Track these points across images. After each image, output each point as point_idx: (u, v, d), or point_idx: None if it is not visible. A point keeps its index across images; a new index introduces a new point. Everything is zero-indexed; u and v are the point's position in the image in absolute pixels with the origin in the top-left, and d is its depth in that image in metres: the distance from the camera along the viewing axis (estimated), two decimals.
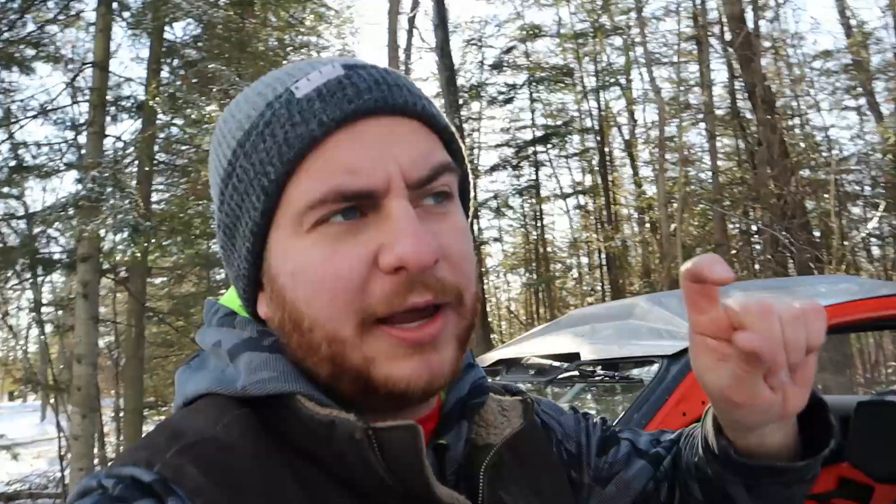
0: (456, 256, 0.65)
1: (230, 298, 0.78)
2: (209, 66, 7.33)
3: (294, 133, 0.63)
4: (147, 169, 7.59)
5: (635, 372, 2.43)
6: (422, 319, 0.63)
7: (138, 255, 5.81)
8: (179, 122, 8.97)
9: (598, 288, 19.79)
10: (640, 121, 18.97)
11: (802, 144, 12.91)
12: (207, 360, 0.74)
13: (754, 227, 12.08)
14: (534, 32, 17.89)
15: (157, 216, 6.48)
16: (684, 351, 2.20)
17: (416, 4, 16.46)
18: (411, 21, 16.13)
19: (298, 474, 0.63)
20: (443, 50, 13.96)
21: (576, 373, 2.51)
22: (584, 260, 21.43)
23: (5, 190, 8.29)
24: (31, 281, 9.23)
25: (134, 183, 8.13)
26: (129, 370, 9.47)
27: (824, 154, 15.04)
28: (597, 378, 2.42)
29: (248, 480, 0.60)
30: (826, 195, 11.42)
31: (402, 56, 14.76)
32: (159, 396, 15.86)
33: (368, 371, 0.63)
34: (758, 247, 12.84)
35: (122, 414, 15.92)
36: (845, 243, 12.34)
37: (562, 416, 0.98)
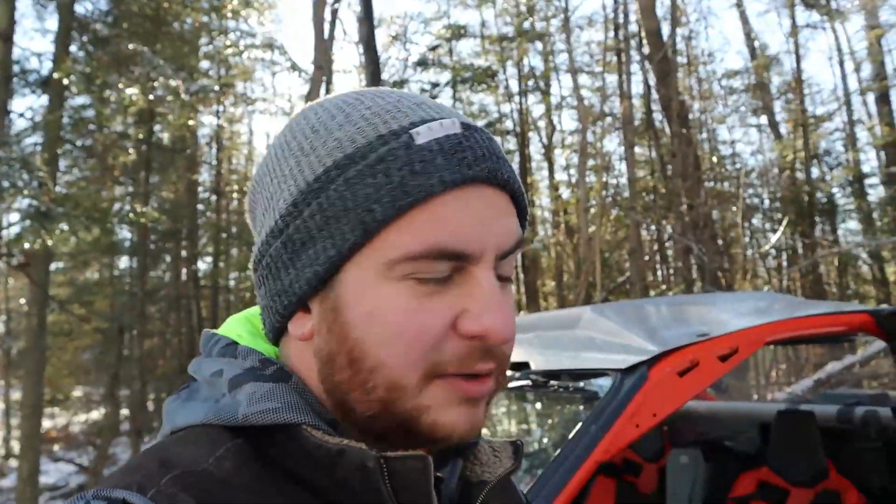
0: (512, 334, 0.68)
1: (228, 329, 0.78)
2: (127, 46, 6.99)
3: (413, 182, 0.63)
4: (59, 150, 7.17)
5: (586, 383, 2.48)
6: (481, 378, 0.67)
7: (49, 241, 5.49)
8: (88, 101, 8.55)
9: (513, 289, 20.12)
10: (558, 126, 19.44)
11: (713, 158, 13.52)
12: (199, 390, 0.74)
13: (666, 236, 12.56)
14: (459, 32, 18.00)
15: (69, 200, 6.14)
16: (638, 365, 2.26)
17: None
18: (335, 13, 15.92)
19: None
20: (368, 44, 13.81)
21: (527, 382, 2.54)
22: None
23: None
24: None
25: (38, 163, 7.68)
26: (28, 361, 8.95)
27: (728, 167, 15.82)
28: (550, 388, 2.46)
29: None
30: (734, 207, 12.01)
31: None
32: (55, 388, 15.11)
33: (418, 418, 0.65)
34: (670, 253, 13.38)
35: (15, 407, 15.06)
36: (748, 254, 13.02)
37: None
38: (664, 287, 12.58)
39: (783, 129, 18.07)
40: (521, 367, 2.69)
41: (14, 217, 7.03)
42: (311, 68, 13.06)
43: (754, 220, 16.73)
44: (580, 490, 2.08)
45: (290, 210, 0.67)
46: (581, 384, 2.48)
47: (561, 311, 3.38)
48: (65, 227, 5.77)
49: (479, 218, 0.64)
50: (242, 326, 0.78)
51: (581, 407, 2.57)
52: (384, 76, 15.92)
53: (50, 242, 5.30)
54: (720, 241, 12.64)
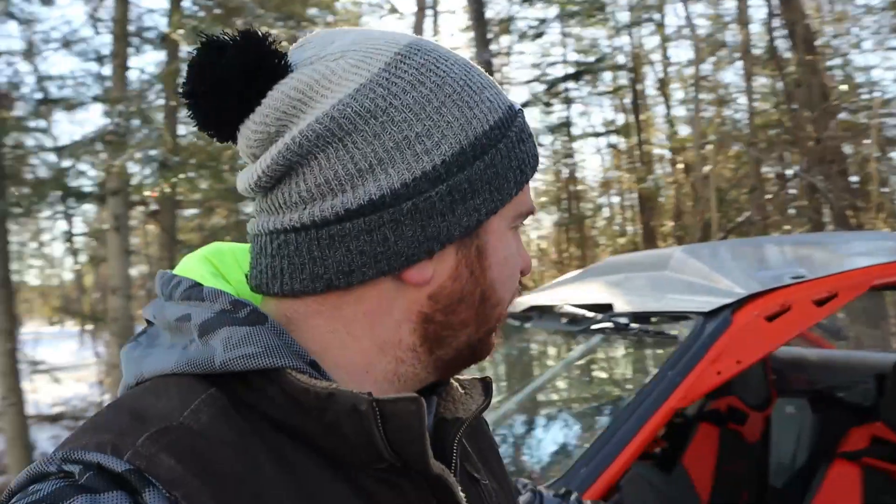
0: None
1: (187, 269, 0.74)
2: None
3: (533, 153, 0.75)
4: (174, 103, 7.51)
5: (670, 327, 2.37)
6: None
7: (167, 189, 5.80)
8: None
9: (630, 229, 19.61)
10: (674, 59, 18.45)
11: (843, 86, 12.44)
12: (158, 336, 0.71)
13: (790, 172, 11.78)
14: None
15: (184, 151, 6.42)
16: (722, 308, 2.14)
17: None
18: None
19: (276, 453, 0.62)
20: None
21: (609, 324, 2.45)
22: (616, 200, 21.17)
23: (32, 123, 8.27)
24: (63, 212, 9.32)
25: (161, 117, 8.08)
26: None
27: (864, 96, 14.55)
28: (630, 331, 2.37)
29: (225, 468, 0.58)
30: (866, 140, 11.05)
31: None
32: None
33: (489, 338, 0.77)
34: (793, 192, 12.56)
35: None
36: (885, 190, 12.01)
37: None
38: (787, 228, 11.86)
39: None
40: (604, 309, 2.61)
41: (135, 168, 7.50)
42: (413, 9, 12.97)
43: (894, 154, 15.39)
44: (654, 436, 2.00)
45: (457, 159, 0.67)
46: (662, 328, 2.38)
47: (651, 252, 3.25)
48: (182, 175, 6.08)
49: None
50: (203, 266, 0.75)
51: (660, 351, 2.47)
52: (489, 14, 15.58)
53: (167, 190, 5.61)
54: (852, 178, 11.73)
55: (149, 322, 0.74)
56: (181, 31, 6.25)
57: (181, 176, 6.19)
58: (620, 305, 2.58)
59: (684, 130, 16.90)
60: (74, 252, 11.93)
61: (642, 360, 2.70)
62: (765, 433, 3.73)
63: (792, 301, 2.12)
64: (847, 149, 11.91)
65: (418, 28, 11.30)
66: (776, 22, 12.31)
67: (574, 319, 2.68)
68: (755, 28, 12.75)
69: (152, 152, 5.89)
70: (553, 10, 16.77)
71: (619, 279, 3.04)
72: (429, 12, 12.32)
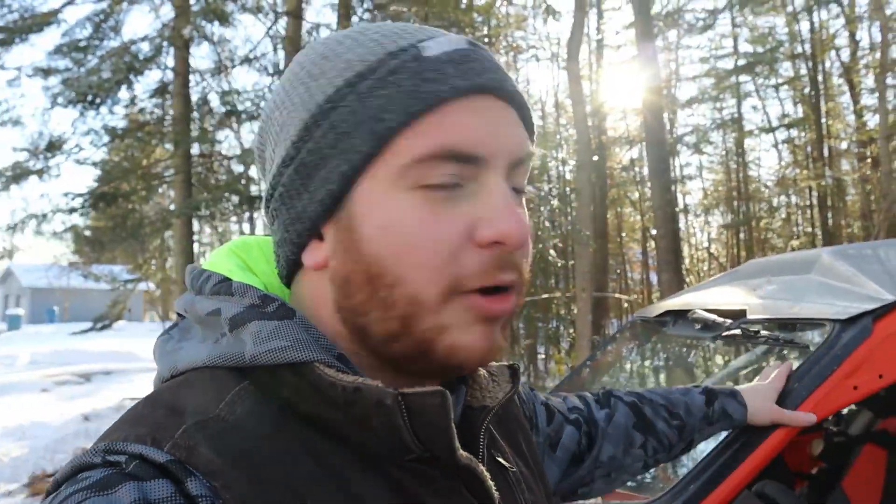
0: (527, 244, 0.68)
1: (215, 264, 0.76)
2: (400, 10, 7.42)
3: (425, 88, 0.63)
4: None
5: (804, 335, 2.19)
6: (502, 294, 0.65)
7: None
8: None
9: (809, 230, 18.20)
10: (861, 42, 16.82)
11: None
12: (191, 329, 0.73)
13: None
14: None
15: None
16: (861, 315, 1.94)
17: None
18: None
19: (309, 446, 0.62)
20: None
21: (738, 332, 2.30)
22: (794, 199, 19.71)
23: (220, 135, 9.05)
24: (244, 216, 10.10)
25: None
26: None
27: None
28: (760, 339, 2.20)
29: (261, 459, 0.59)
30: None
31: None
32: None
33: (435, 339, 0.64)
34: None
35: None
36: None
37: None
38: None
39: None
40: (737, 315, 2.45)
41: None
42: (571, 9, 12.80)
43: None
44: (774, 454, 1.84)
45: (301, 135, 0.66)
46: (796, 336, 2.19)
47: (797, 254, 3.00)
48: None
49: (490, 123, 0.65)
50: (231, 260, 0.77)
51: (792, 362, 2.28)
52: (655, 8, 15.04)
53: None
54: None
55: (180, 315, 0.77)
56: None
57: None
58: (755, 311, 2.41)
59: (874, 121, 15.41)
60: None
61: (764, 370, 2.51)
62: None
63: None
64: None
65: (577, 29, 11.14)
66: None
67: (706, 325, 2.54)
68: None
69: None
70: (723, 0, 15.95)
71: (760, 283, 2.84)
72: (593, 11, 12.07)
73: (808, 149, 17.20)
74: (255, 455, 0.59)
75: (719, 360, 2.81)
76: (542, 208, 11.87)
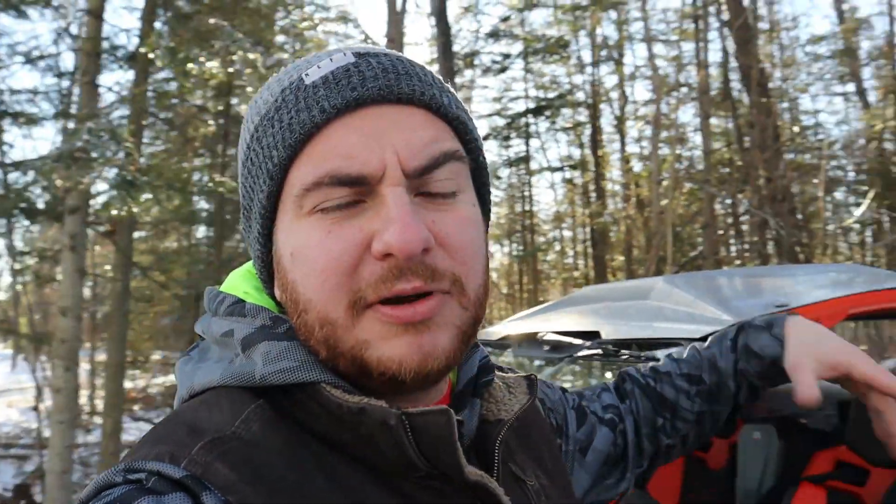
0: (455, 245, 0.66)
1: (232, 286, 0.78)
2: (209, 21, 7.17)
3: (297, 119, 0.65)
4: (143, 122, 7.45)
5: (659, 354, 2.46)
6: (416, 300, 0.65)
7: (135, 209, 5.74)
8: (171, 75, 8.81)
9: (581, 263, 19.91)
10: (630, 97, 19.00)
11: (795, 129, 12.99)
12: (209, 350, 0.75)
13: (741, 209, 12.20)
14: (531, 2, 17.69)
15: (153, 170, 6.37)
16: (709, 336, 2.23)
17: None
18: None
19: (322, 463, 0.64)
20: (440, 15, 13.76)
21: (598, 351, 2.53)
22: (568, 234, 21.50)
23: None
24: (5, 229, 9.07)
25: (125, 134, 7.98)
26: (112, 325, 9.40)
27: (811, 138, 15.19)
28: (621, 358, 2.45)
29: (276, 476, 0.61)
30: (815, 180, 11.53)
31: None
32: (136, 351, 15.79)
33: (362, 354, 0.64)
34: (745, 228, 12.99)
35: (99, 368, 15.86)
36: (829, 228, 12.52)
37: (546, 388, 1.05)
38: (738, 262, 12.24)
39: (871, 98, 17.23)
40: (592, 336, 2.69)
41: (102, 186, 7.37)
42: (383, 41, 13.11)
43: (837, 194, 16.07)
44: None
45: (241, 181, 0.72)
46: (651, 354, 2.46)
47: (631, 282, 3.35)
48: (149, 196, 6.02)
49: (373, 136, 0.64)
50: (247, 282, 0.78)
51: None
52: (455, 48, 15.86)
53: (136, 210, 5.54)
54: (799, 216, 12.19)
55: (200, 337, 0.79)
56: (157, 52, 6.23)
57: (148, 196, 6.13)
58: (607, 333, 2.66)
59: (638, 167, 17.38)
60: (17, 271, 11.54)
61: None
62: (730, 460, 3.84)
63: None
64: (794, 188, 12.40)
65: None
66: (732, 65, 12.81)
67: (558, 347, 2.76)
68: (712, 70, 13.23)
69: (121, 171, 5.83)
70: (518, 47, 17.21)
71: (600, 308, 3.12)
72: (398, 44, 12.42)
73: (586, 188, 18.93)
74: (269, 471, 0.61)
75: (568, 383, 3.04)
76: None
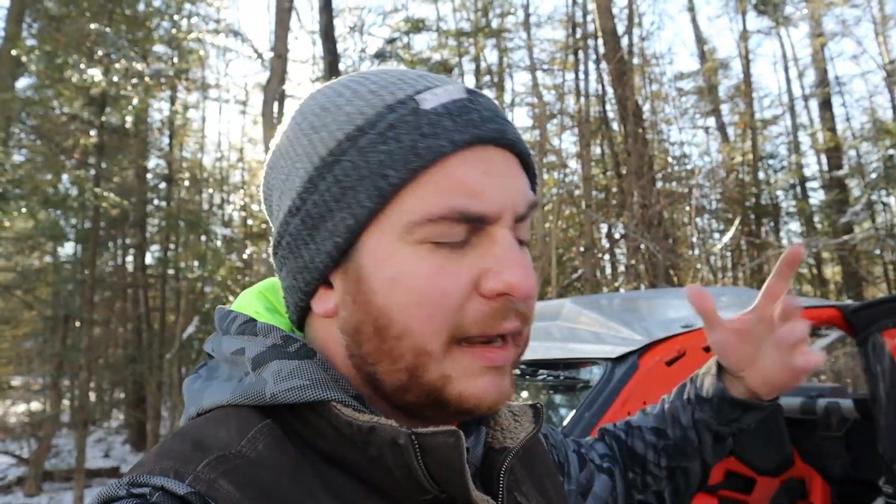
0: (534, 291, 0.68)
1: (243, 305, 0.78)
2: (89, 26, 6.80)
3: (423, 144, 0.64)
4: (12, 131, 6.92)
5: (574, 373, 2.55)
6: (501, 343, 0.67)
7: (6, 223, 5.30)
8: (39, 81, 8.28)
9: None
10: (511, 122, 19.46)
11: (668, 158, 13.84)
12: (218, 368, 0.75)
13: (618, 234, 12.81)
14: (417, 26, 17.95)
15: (24, 182, 5.92)
16: (629, 354, 2.34)
17: None
18: (291, 2, 15.72)
19: (328, 483, 0.64)
20: (327, 34, 13.68)
21: (516, 371, 2.59)
22: None
23: None
24: None
25: None
26: None
27: (677, 167, 16.21)
28: (539, 378, 2.52)
29: (280, 495, 0.61)
30: (686, 207, 12.30)
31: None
32: None
33: (443, 387, 0.66)
34: (619, 251, 13.64)
35: None
36: (694, 253, 13.37)
37: (549, 428, 1.07)
38: (616, 285, 12.84)
39: (731, 132, 18.62)
40: None
41: None
42: (269, 56, 12.88)
43: (700, 220, 17.22)
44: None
45: (306, 186, 0.68)
46: (569, 374, 2.55)
47: (539, 303, 3.45)
48: (22, 209, 5.59)
49: (494, 178, 0.66)
50: (259, 302, 0.78)
51: (569, 397, 2.64)
52: (341, 66, 15.82)
53: (7, 224, 5.12)
54: (670, 241, 12.94)
55: (209, 355, 0.78)
56: (31, 56, 5.82)
57: (22, 209, 5.68)
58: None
59: None
60: None
61: (548, 405, 2.85)
62: None
63: (686, 347, 2.37)
64: (666, 214, 13.16)
65: (275, 76, 11.23)
66: (609, 95, 13.48)
67: None
68: (590, 99, 13.87)
69: None
70: (403, 68, 17.32)
71: None
72: (284, 60, 12.24)
73: None
74: (273, 490, 0.61)
75: None
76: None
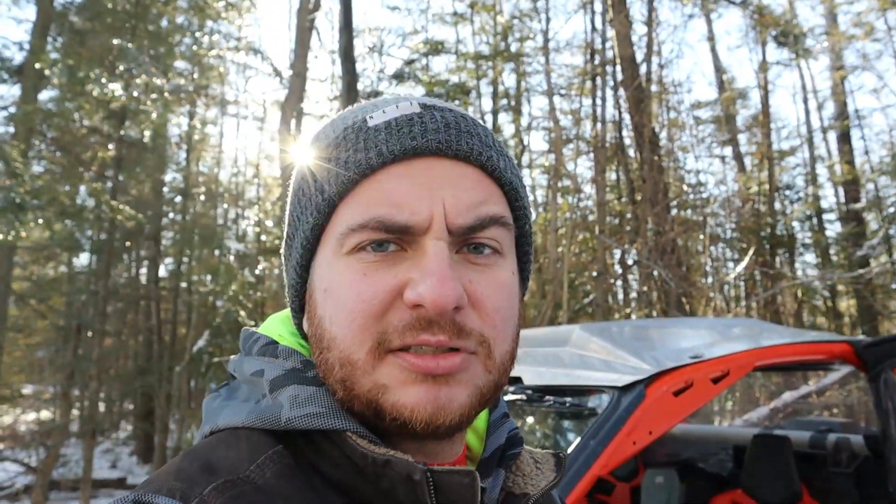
0: (488, 308, 0.66)
1: (269, 328, 0.78)
2: (110, 41, 6.91)
3: (354, 158, 0.66)
4: (32, 142, 7.01)
5: (581, 400, 2.54)
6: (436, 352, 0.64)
7: (23, 233, 5.36)
8: (61, 94, 8.40)
9: None
10: (527, 146, 19.62)
11: (684, 186, 13.82)
12: (238, 389, 0.75)
13: (631, 260, 12.76)
14: (436, 48, 18.11)
15: (43, 193, 6.00)
16: (636, 383, 2.33)
17: (318, 5, 16.26)
18: (312, 22, 15.89)
19: None
20: (346, 54, 13.81)
21: (521, 396, 2.58)
22: None
23: None
24: None
25: (13, 153, 7.50)
26: None
27: (692, 196, 16.18)
28: (545, 404, 2.50)
29: None
30: (700, 235, 12.25)
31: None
32: (3, 385, 14.65)
33: (378, 397, 0.64)
34: (632, 277, 13.59)
35: None
36: (708, 281, 13.29)
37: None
38: (627, 311, 12.79)
39: (747, 162, 18.58)
40: (514, 381, 2.74)
41: None
42: (288, 74, 13.02)
43: (714, 249, 17.14)
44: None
45: (290, 209, 0.74)
46: (575, 401, 2.53)
47: (548, 329, 3.43)
48: (39, 219, 5.65)
49: (424, 187, 0.65)
50: (283, 326, 0.79)
51: (576, 423, 2.62)
52: (359, 87, 15.94)
53: (24, 234, 5.19)
54: (684, 268, 12.87)
55: (232, 376, 0.78)
56: (53, 69, 5.91)
57: (39, 219, 5.74)
58: (530, 378, 2.71)
59: (531, 214, 17.81)
60: None
61: (553, 431, 2.83)
62: (633, 503, 3.98)
63: (693, 378, 2.35)
64: (680, 241, 13.12)
65: (293, 94, 11.34)
66: (625, 121, 13.51)
67: None
68: (607, 126, 13.90)
69: (8, 193, 5.45)
70: (420, 90, 17.48)
71: (519, 354, 3.17)
72: (303, 79, 12.37)
73: None
74: None
75: None
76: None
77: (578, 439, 2.23)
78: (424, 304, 0.62)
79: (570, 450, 2.20)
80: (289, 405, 0.66)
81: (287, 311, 0.81)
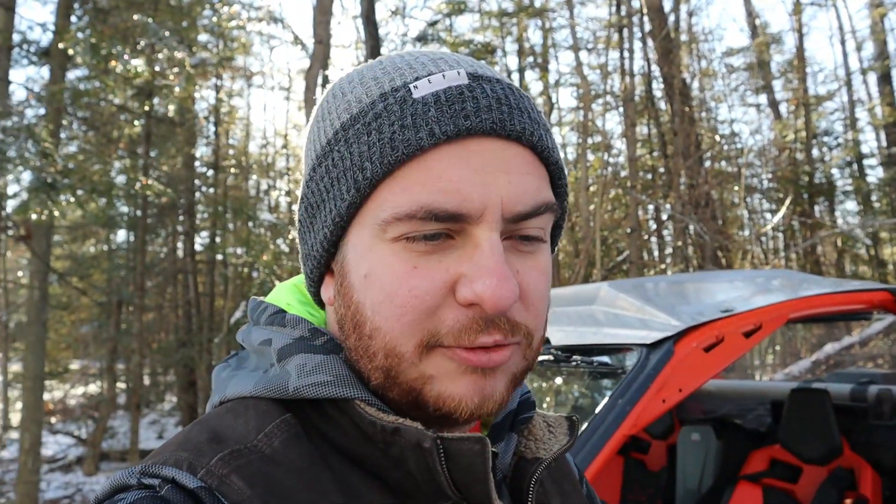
0: (533, 298, 0.64)
1: (276, 297, 0.78)
2: (131, 17, 6.90)
3: (402, 136, 0.60)
4: (62, 122, 7.08)
5: (610, 359, 2.49)
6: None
7: (56, 213, 5.44)
8: (88, 73, 8.46)
9: None
10: (556, 104, 19.32)
11: (717, 137, 13.50)
12: (247, 358, 0.74)
13: (665, 215, 12.57)
14: (458, 7, 17.80)
15: (74, 172, 6.05)
16: (664, 340, 2.27)
17: None
18: None
19: (343, 482, 0.62)
20: (368, 18, 13.66)
21: (549, 357, 2.54)
22: None
23: None
24: None
25: (43, 134, 7.59)
26: (29, 334, 8.93)
27: (727, 146, 15.82)
28: (572, 363, 2.46)
29: (290, 494, 0.59)
30: (735, 187, 11.99)
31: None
32: (53, 361, 15.11)
33: (422, 388, 0.62)
34: (666, 232, 13.40)
35: (12, 380, 15.06)
36: (746, 234, 13.05)
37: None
38: (662, 266, 12.62)
39: (783, 109, 18.07)
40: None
41: (14, 188, 6.97)
42: (310, 42, 12.93)
43: (750, 200, 16.79)
44: (607, 464, 2.09)
45: (310, 174, 0.68)
46: (604, 359, 2.48)
47: (576, 287, 3.38)
48: (70, 198, 5.73)
49: (480, 173, 0.60)
50: (291, 294, 0.77)
51: (604, 382, 2.57)
52: (383, 51, 15.78)
53: (56, 214, 5.25)
54: (719, 221, 12.65)
55: (241, 346, 0.77)
56: (77, 48, 5.92)
57: (70, 198, 5.82)
58: (557, 338, 2.67)
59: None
60: None
61: (581, 391, 2.79)
62: (669, 460, 3.94)
63: (724, 333, 2.28)
64: (714, 194, 12.86)
65: (316, 62, 11.26)
66: (655, 74, 13.19)
67: None
68: (636, 79, 13.60)
69: (40, 172, 5.51)
70: (445, 51, 17.22)
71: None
72: (326, 45, 12.26)
73: None
74: (285, 488, 0.59)
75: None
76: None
77: (606, 399, 2.19)
78: (483, 305, 0.59)
79: (597, 410, 2.17)
80: (296, 374, 0.65)
81: (295, 280, 0.80)
